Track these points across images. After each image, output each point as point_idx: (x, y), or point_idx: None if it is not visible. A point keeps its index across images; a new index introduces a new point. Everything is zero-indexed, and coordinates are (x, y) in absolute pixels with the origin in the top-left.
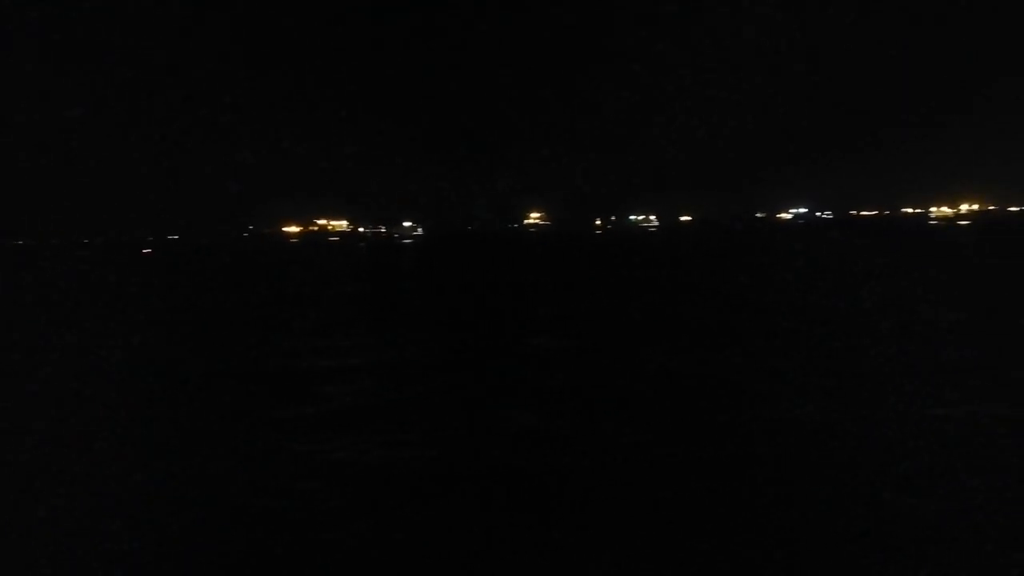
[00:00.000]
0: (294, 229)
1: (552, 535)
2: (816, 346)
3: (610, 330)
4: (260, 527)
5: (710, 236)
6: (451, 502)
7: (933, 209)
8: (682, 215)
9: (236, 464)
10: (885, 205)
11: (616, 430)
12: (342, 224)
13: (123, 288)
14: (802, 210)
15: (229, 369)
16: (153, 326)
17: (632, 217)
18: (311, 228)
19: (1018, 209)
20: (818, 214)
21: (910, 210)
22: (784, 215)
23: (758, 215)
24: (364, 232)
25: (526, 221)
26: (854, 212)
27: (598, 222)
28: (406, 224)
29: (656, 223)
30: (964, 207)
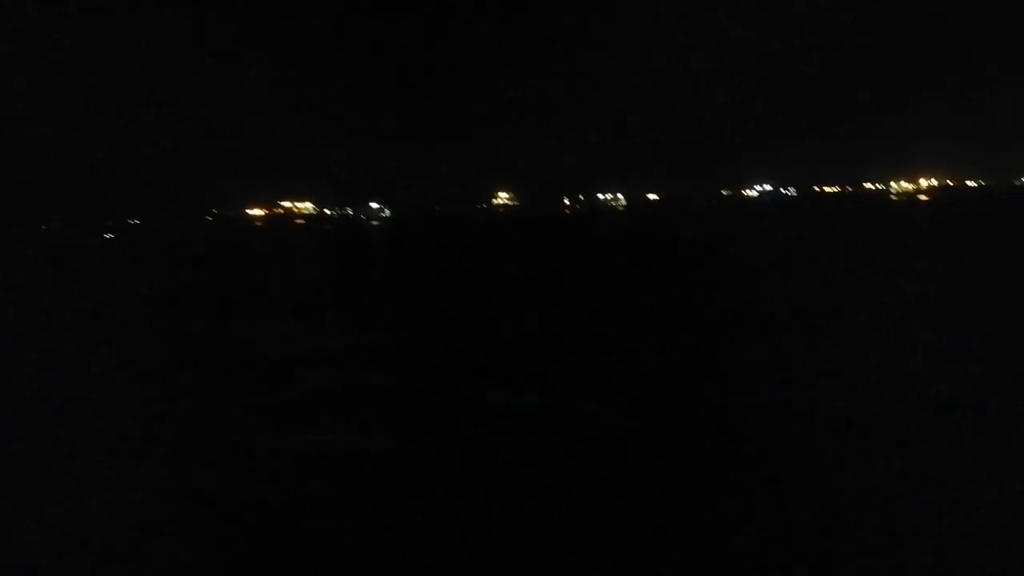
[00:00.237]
0: (259, 212)
1: (531, 522)
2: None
3: (578, 314)
4: (238, 518)
5: (688, 216)
6: (434, 491)
7: (893, 185)
8: (649, 194)
9: (211, 455)
10: (847, 181)
11: (596, 411)
12: (308, 206)
13: (84, 275)
14: (767, 187)
15: (196, 357)
16: (118, 314)
17: (601, 196)
18: (276, 211)
19: (975, 184)
20: (782, 191)
21: (871, 186)
22: (750, 192)
23: (724, 192)
24: (331, 214)
25: (495, 201)
26: (817, 188)
27: (567, 202)
28: (373, 206)
29: (624, 202)
30: (923, 182)
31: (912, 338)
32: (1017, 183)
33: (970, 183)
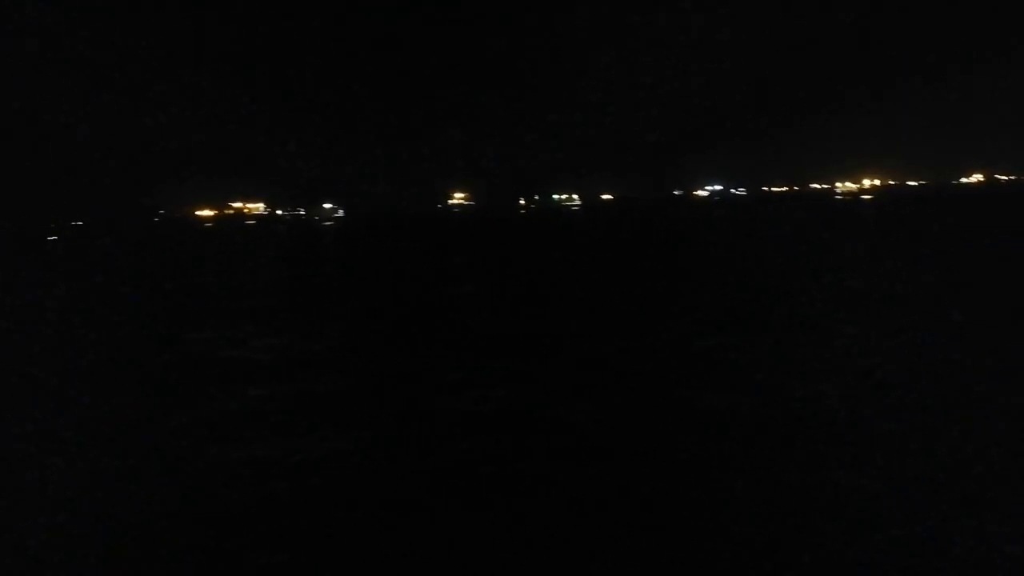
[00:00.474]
0: (208, 213)
1: (497, 525)
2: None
3: (538, 314)
4: (193, 527)
5: (646, 215)
6: (397, 495)
7: (839, 184)
8: (603, 194)
9: (158, 466)
10: (794, 181)
11: (565, 409)
12: (259, 207)
13: (25, 279)
14: (717, 187)
15: (141, 363)
16: (59, 319)
17: (555, 196)
18: (226, 212)
19: (916, 183)
20: (732, 191)
21: (817, 186)
22: (700, 192)
23: (675, 192)
24: (282, 215)
25: (450, 202)
26: (765, 188)
27: (522, 201)
28: (326, 206)
29: (579, 202)
30: (867, 182)
31: (870, 327)
32: (955, 182)
33: (911, 183)
